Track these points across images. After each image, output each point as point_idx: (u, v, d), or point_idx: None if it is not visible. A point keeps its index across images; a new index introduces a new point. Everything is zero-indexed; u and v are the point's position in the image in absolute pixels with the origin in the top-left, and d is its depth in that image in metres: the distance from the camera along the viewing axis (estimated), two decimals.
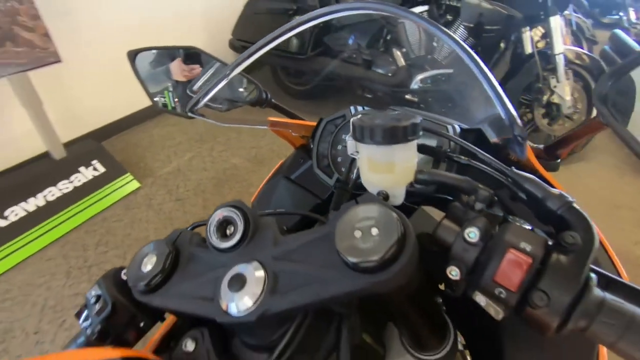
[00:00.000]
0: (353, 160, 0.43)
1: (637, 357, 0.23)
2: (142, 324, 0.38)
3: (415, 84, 2.32)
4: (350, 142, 0.38)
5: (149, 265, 0.34)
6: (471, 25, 2.21)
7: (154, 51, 0.53)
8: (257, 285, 0.30)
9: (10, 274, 1.63)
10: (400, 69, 2.36)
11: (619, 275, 0.40)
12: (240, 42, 2.77)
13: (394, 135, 0.32)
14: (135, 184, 2.12)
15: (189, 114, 0.48)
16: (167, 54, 0.54)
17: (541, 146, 0.45)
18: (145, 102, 2.57)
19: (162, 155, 2.41)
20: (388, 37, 2.48)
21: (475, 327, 0.47)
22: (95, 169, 2.11)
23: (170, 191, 2.12)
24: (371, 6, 0.40)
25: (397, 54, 2.37)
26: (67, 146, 2.16)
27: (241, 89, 0.57)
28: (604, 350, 0.38)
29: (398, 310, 0.41)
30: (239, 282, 0.30)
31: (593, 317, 0.25)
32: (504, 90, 0.40)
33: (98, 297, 0.38)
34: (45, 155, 2.14)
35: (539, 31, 2.15)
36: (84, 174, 2.06)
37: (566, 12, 2.11)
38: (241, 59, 0.43)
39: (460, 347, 0.52)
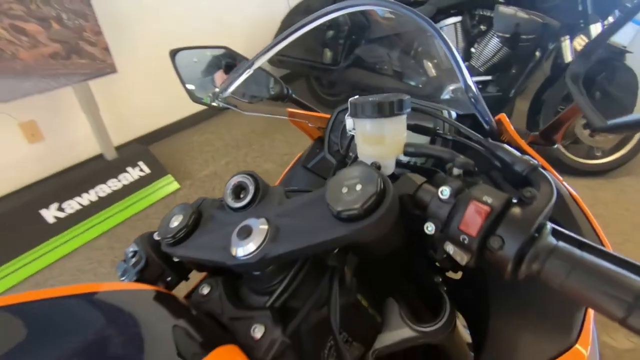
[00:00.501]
0: (352, 137, 0.47)
1: (583, 296, 0.26)
2: (169, 279, 0.45)
3: (446, 94, 2.32)
4: (348, 121, 0.43)
5: (175, 222, 0.41)
6: (506, 35, 2.19)
7: (190, 50, 0.62)
8: (261, 235, 0.35)
9: (63, 261, 1.81)
10: (431, 80, 2.38)
11: (602, 243, 0.41)
12: (277, 56, 2.92)
13: (383, 110, 0.37)
14: (175, 185, 2.29)
15: (218, 102, 0.55)
16: (202, 54, 0.63)
17: (536, 133, 0.47)
18: (186, 112, 2.77)
19: (201, 159, 2.57)
20: (419, 49, 2.52)
21: (470, 304, 0.49)
22: (141, 169, 2.29)
23: (206, 192, 2.25)
24: (367, 2, 0.45)
25: (428, 65, 2.39)
26: (118, 149, 2.38)
27: (264, 85, 0.64)
28: (590, 314, 0.39)
29: (393, 279, 0.45)
30: (246, 232, 0.36)
31: (544, 261, 0.27)
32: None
33: (134, 253, 0.45)
34: (99, 157, 2.36)
35: (581, 40, 2.09)
36: (131, 174, 2.25)
37: (610, 18, 2.03)
38: (263, 51, 0.50)
39: (459, 324, 0.54)
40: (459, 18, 2.46)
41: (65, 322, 0.29)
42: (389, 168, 0.41)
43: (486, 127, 0.45)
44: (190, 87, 0.62)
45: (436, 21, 2.47)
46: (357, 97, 0.41)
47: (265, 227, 0.36)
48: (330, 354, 0.41)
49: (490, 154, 0.37)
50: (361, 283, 0.46)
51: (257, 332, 0.34)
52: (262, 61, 0.52)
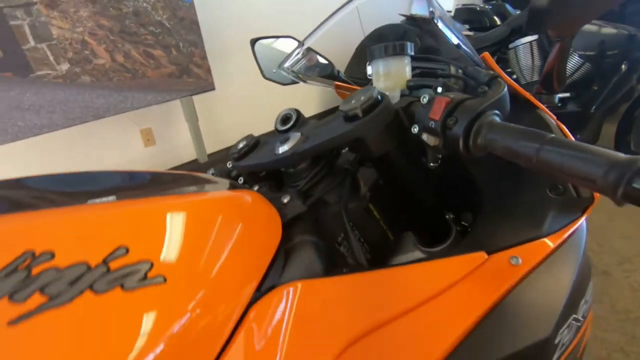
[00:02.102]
0: (370, 81, 0.61)
1: (519, 159, 0.34)
2: None
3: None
4: (368, 68, 0.56)
5: (240, 145, 0.58)
6: (589, 53, 2.10)
7: (265, 39, 0.82)
8: (295, 140, 0.50)
9: None
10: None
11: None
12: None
13: (388, 50, 0.50)
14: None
15: (280, 70, 0.73)
16: (274, 42, 0.83)
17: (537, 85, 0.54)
18: (269, 128, 3.11)
19: None
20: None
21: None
22: None
23: None
24: None
25: None
26: (210, 155, 2.79)
27: (320, 66, 0.81)
28: (579, 224, 0.45)
29: (410, 215, 0.55)
30: (285, 139, 0.51)
31: (485, 135, 0.37)
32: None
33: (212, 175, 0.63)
34: (194, 161, 2.80)
35: None
36: None
37: None
38: (311, 33, 0.67)
39: None
40: (535, 37, 2.42)
41: None
42: (395, 98, 0.53)
43: (474, 59, 0.54)
44: (264, 67, 0.82)
45: (511, 41, 2.46)
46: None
47: (299, 134, 0.51)
48: (343, 243, 0.53)
49: (467, 75, 0.47)
50: (377, 202, 0.57)
51: (285, 199, 0.48)
52: (310, 42, 0.69)
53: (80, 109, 1.99)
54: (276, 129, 0.58)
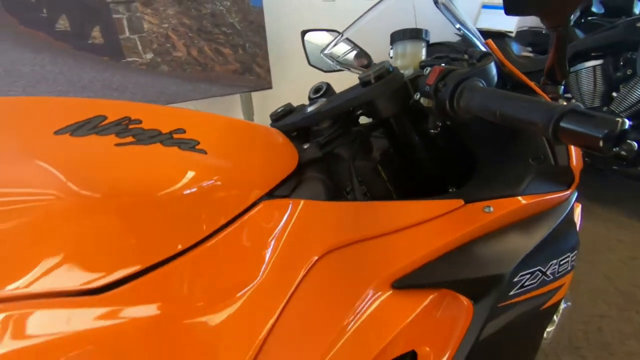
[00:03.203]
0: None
1: (488, 115, 0.42)
2: None
3: None
4: (391, 51, 0.66)
5: (279, 109, 0.71)
6: None
7: (314, 32, 0.95)
8: (321, 102, 0.62)
9: None
10: None
11: None
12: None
13: (405, 35, 0.60)
14: None
15: (322, 55, 0.85)
16: (321, 34, 0.95)
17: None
18: None
19: None
20: None
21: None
22: None
23: None
24: None
25: None
26: None
27: (355, 55, 0.91)
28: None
29: (419, 185, 0.64)
30: (313, 103, 0.63)
31: (468, 98, 0.45)
32: None
33: None
34: None
35: None
36: None
37: None
38: (353, 22, 0.78)
39: None
40: (599, 61, 2.33)
41: None
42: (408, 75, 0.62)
43: (483, 48, 0.61)
44: (310, 55, 0.95)
45: (573, 64, 2.39)
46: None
47: (324, 99, 0.62)
48: (350, 192, 0.62)
49: (466, 54, 0.55)
50: (386, 166, 0.66)
51: (305, 146, 0.59)
52: (349, 33, 0.80)
53: (156, 93, 2.29)
54: (309, 97, 0.69)
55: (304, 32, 0.96)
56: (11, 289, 0.28)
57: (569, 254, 0.52)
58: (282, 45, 2.93)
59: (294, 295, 0.38)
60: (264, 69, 2.64)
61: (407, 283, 0.43)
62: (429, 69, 0.53)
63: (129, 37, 2.11)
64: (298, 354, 0.36)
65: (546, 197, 0.51)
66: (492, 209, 0.48)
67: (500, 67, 0.55)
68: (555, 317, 0.56)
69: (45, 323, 0.29)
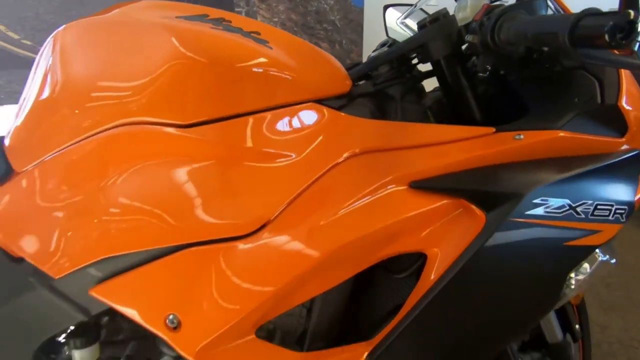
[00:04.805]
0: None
1: (525, 40, 0.46)
2: None
3: None
4: (455, 9, 0.71)
5: (348, 61, 0.81)
6: None
7: (394, 7, 1.03)
8: (382, 49, 0.70)
9: None
10: None
11: None
12: None
13: None
14: None
15: (397, 23, 0.93)
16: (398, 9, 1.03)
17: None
18: None
19: None
20: None
21: None
22: None
23: None
24: None
25: None
26: None
27: None
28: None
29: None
30: (375, 51, 0.71)
31: (506, 26, 0.48)
32: None
33: None
34: None
35: None
36: None
37: None
38: None
39: None
40: None
41: None
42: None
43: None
44: (389, 28, 1.04)
45: None
46: None
47: (386, 47, 0.71)
48: None
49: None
50: (435, 112, 0.71)
51: (360, 82, 0.68)
52: (422, 4, 0.86)
53: None
54: (373, 51, 0.78)
55: (386, 7, 1.05)
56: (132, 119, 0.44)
57: (613, 203, 0.49)
58: (376, 43, 3.05)
59: (321, 177, 0.47)
60: None
61: (425, 185, 0.47)
62: (479, 12, 0.57)
63: None
64: (315, 216, 0.45)
65: (589, 138, 0.50)
66: (522, 137, 0.49)
67: (556, 6, 0.56)
68: (587, 266, 0.53)
69: (142, 142, 0.44)
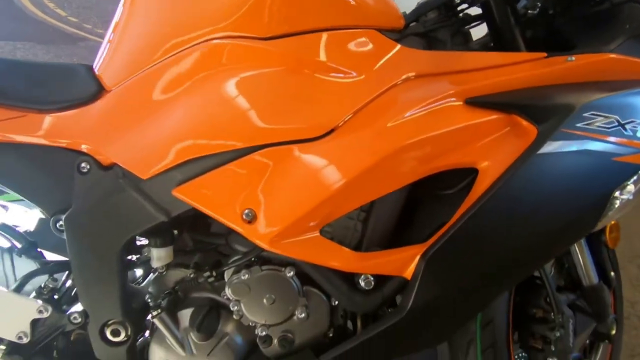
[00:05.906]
0: None
1: None
2: None
3: None
4: None
5: None
6: None
7: None
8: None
9: None
10: None
11: None
12: None
13: None
14: None
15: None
16: None
17: None
18: None
19: None
20: None
21: None
22: None
23: None
24: None
25: None
26: None
27: None
28: None
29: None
30: None
31: None
32: None
33: None
34: None
35: None
36: None
37: None
38: None
39: None
40: None
41: None
42: None
43: None
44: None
45: None
46: None
47: None
48: None
49: None
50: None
51: (412, 25, 0.71)
52: None
53: None
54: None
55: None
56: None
57: None
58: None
59: (382, 94, 0.50)
60: None
61: (480, 100, 0.49)
62: None
63: None
64: (380, 121, 0.47)
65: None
66: (574, 59, 0.50)
67: None
68: (631, 188, 0.51)
69: (227, 54, 0.49)
